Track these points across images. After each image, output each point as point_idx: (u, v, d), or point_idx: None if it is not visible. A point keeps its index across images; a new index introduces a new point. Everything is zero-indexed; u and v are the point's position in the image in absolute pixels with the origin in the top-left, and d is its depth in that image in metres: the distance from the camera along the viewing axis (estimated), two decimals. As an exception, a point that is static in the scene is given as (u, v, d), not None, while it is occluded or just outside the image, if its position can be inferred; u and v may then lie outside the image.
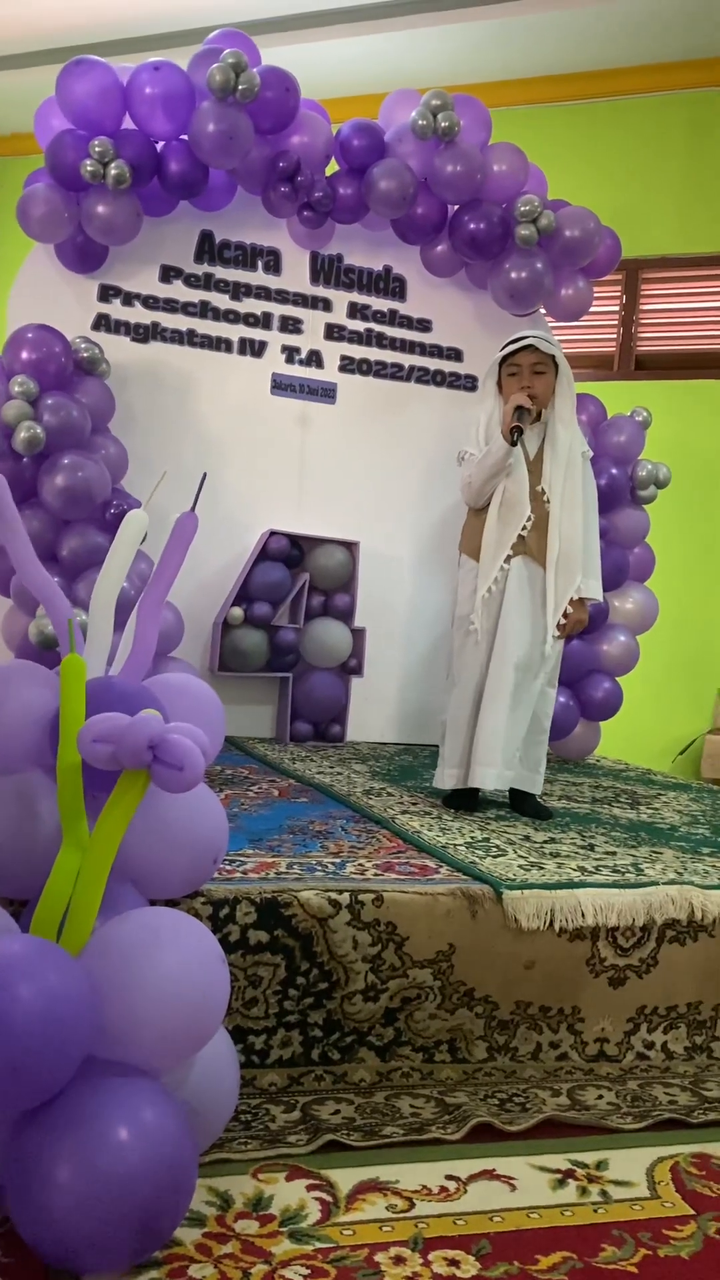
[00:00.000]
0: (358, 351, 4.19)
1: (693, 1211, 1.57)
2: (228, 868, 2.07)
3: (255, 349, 4.07)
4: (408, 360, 4.24)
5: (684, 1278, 1.41)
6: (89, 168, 3.45)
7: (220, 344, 4.03)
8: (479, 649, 2.85)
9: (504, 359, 2.91)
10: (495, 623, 2.83)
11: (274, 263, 4.08)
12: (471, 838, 2.53)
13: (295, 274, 4.10)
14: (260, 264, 4.06)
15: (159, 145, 3.62)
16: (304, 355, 4.13)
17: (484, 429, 2.92)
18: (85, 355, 3.48)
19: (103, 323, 3.88)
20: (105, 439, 3.53)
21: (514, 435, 2.76)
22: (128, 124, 3.61)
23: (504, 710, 2.81)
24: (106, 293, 3.88)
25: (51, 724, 1.64)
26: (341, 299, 4.16)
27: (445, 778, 2.91)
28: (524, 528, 2.83)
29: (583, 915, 2.09)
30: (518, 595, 2.83)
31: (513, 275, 3.93)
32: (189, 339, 3.99)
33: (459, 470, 3.01)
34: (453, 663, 2.96)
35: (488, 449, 2.85)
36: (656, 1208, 1.58)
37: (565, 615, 2.85)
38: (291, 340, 4.11)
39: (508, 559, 2.83)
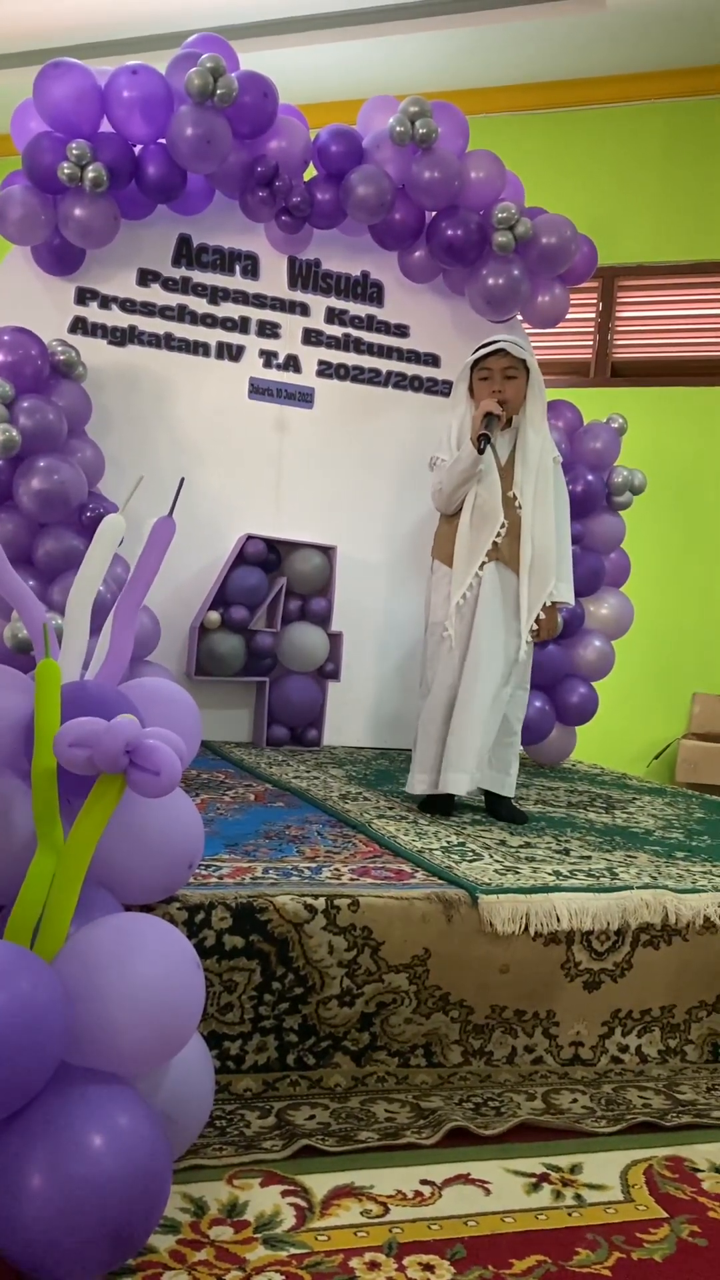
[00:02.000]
0: (335, 356, 4.19)
1: (666, 1214, 1.58)
2: (203, 873, 2.06)
3: (233, 353, 4.07)
4: (385, 365, 4.25)
5: (657, 1280, 1.42)
6: (66, 170, 3.44)
7: (198, 348, 4.02)
8: (452, 655, 2.85)
9: (475, 363, 2.92)
10: (469, 629, 2.84)
11: (252, 267, 4.08)
12: (447, 842, 2.54)
13: (273, 278, 4.11)
14: (238, 268, 4.06)
15: (137, 149, 3.62)
16: (281, 360, 4.13)
17: (455, 434, 2.92)
18: (62, 358, 3.47)
19: (79, 326, 3.86)
20: (82, 442, 3.52)
21: (481, 443, 2.77)
22: (105, 127, 3.60)
23: (477, 716, 2.81)
24: (83, 295, 3.87)
25: (26, 728, 1.63)
26: (319, 304, 4.17)
27: (417, 783, 2.91)
28: (498, 534, 2.83)
29: (558, 919, 2.10)
30: (491, 601, 2.84)
31: (490, 281, 3.95)
32: (166, 343, 3.99)
33: (430, 476, 3.02)
34: (426, 669, 2.96)
35: (457, 455, 2.85)
36: (630, 1210, 1.59)
37: (538, 621, 2.87)
38: (269, 344, 4.11)
39: (481, 565, 2.84)
